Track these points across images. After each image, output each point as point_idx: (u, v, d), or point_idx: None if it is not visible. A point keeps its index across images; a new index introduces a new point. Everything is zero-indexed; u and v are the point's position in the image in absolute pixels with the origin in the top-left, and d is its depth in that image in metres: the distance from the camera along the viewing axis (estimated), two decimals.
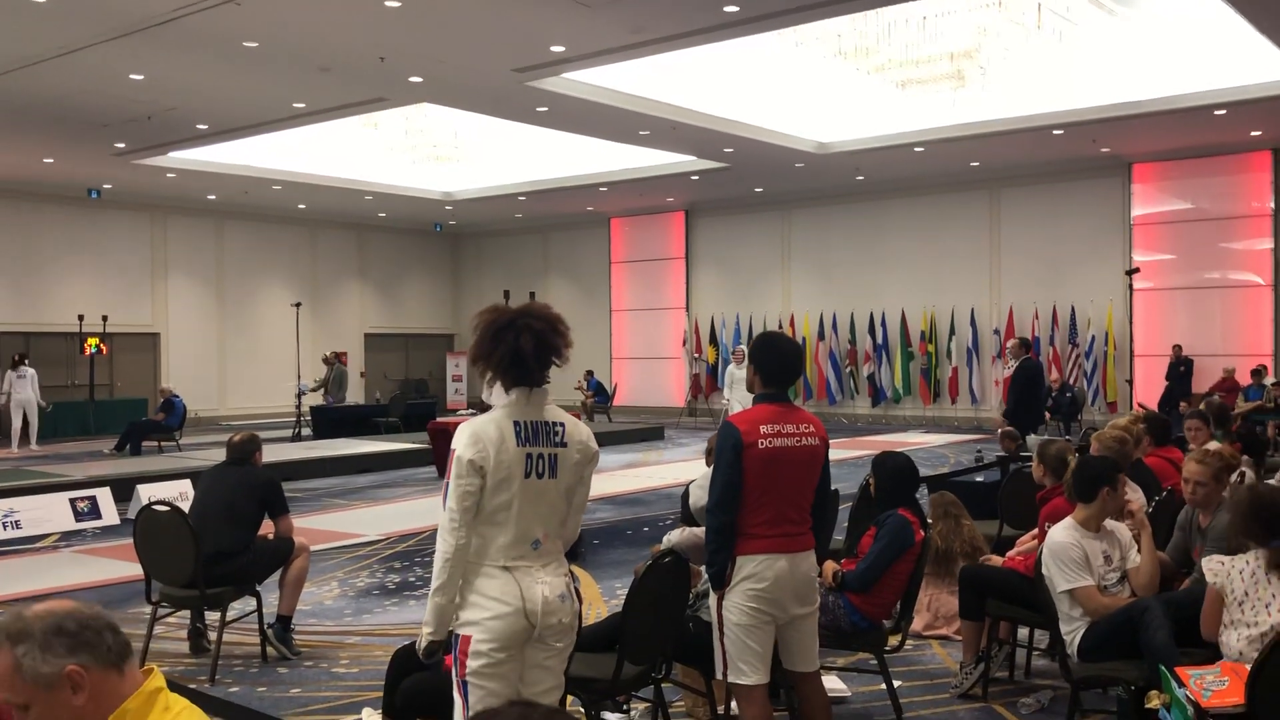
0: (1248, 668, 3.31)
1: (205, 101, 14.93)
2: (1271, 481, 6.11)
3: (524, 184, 22.82)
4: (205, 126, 16.58)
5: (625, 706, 5.01)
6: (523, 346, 3.18)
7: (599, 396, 23.13)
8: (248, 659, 6.07)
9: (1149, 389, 19.49)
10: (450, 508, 3.08)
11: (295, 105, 15.32)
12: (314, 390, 19.99)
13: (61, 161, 18.98)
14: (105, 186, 21.70)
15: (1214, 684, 3.37)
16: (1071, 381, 20.22)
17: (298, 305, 21.74)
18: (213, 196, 23.07)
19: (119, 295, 23.04)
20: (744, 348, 17.07)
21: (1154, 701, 3.50)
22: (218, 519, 5.83)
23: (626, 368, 26.55)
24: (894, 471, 5.03)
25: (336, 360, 19.91)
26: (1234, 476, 5.18)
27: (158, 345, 23.99)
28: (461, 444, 3.12)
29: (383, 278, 28.20)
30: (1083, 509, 4.57)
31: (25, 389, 17.66)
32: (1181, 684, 3.38)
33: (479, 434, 3.13)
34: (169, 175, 20.24)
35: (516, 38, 12.24)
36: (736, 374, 16.02)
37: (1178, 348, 19.10)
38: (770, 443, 3.88)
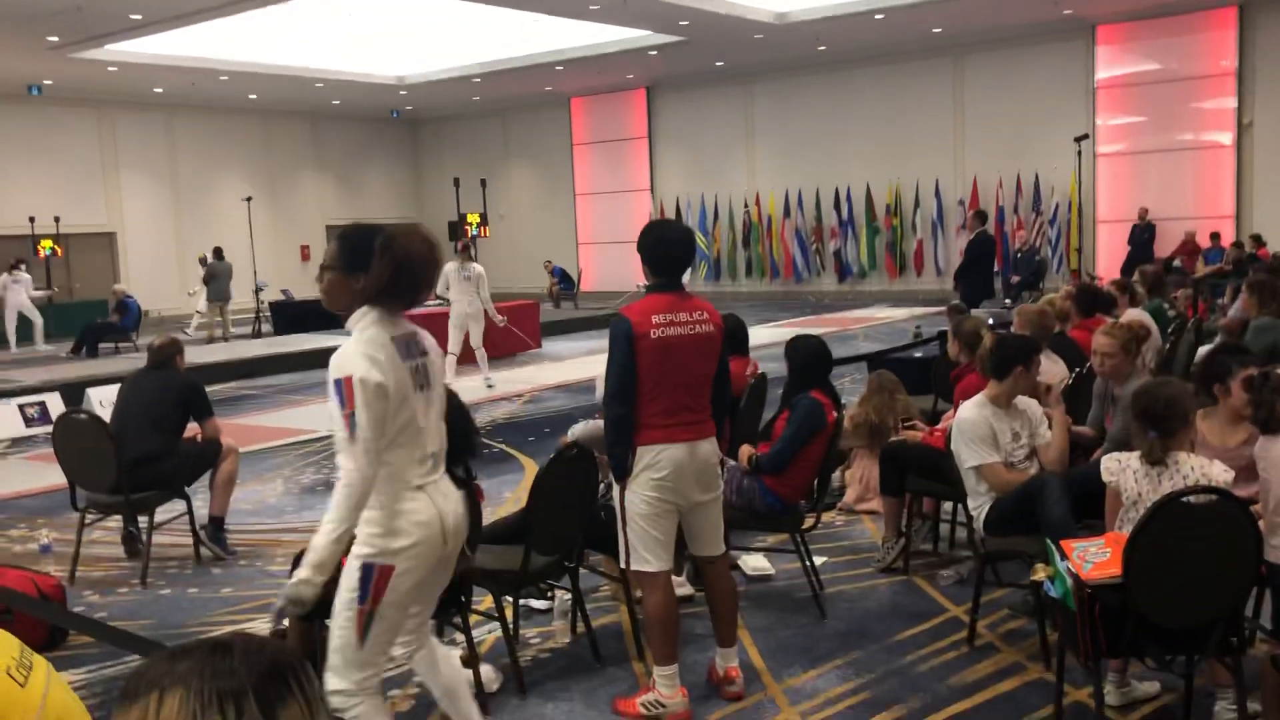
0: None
1: None
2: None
3: (478, 65, 22.24)
4: (139, 16, 15.99)
5: (549, 595, 5.07)
6: (434, 278, 3.18)
7: (564, 284, 22.97)
8: (182, 560, 6.10)
9: (1113, 255, 19.50)
10: (363, 437, 2.88)
11: None
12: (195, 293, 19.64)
13: None
14: (45, 83, 21.04)
15: (1096, 555, 3.40)
16: (1037, 248, 20.15)
17: (248, 200, 21.34)
18: (159, 90, 22.43)
19: (71, 196, 22.56)
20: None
21: (1039, 574, 3.54)
22: (139, 424, 5.78)
23: (592, 252, 26.33)
24: (806, 354, 5.01)
25: (214, 257, 19.28)
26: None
27: (114, 245, 23.62)
28: (360, 368, 2.92)
29: (341, 167, 27.68)
30: (995, 386, 4.56)
31: (20, 293, 17.93)
32: (1065, 557, 3.41)
33: (371, 356, 2.95)
34: (110, 69, 19.62)
35: None
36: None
37: (1144, 211, 19.03)
38: (663, 332, 3.82)
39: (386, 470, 2.98)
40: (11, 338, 18.10)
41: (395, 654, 3.29)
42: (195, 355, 13.56)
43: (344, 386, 2.91)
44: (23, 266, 18.49)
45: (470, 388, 11.56)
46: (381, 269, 3.01)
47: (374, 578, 2.98)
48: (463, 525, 3.15)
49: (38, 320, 18.38)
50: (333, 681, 3.02)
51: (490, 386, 12.00)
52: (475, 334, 11.78)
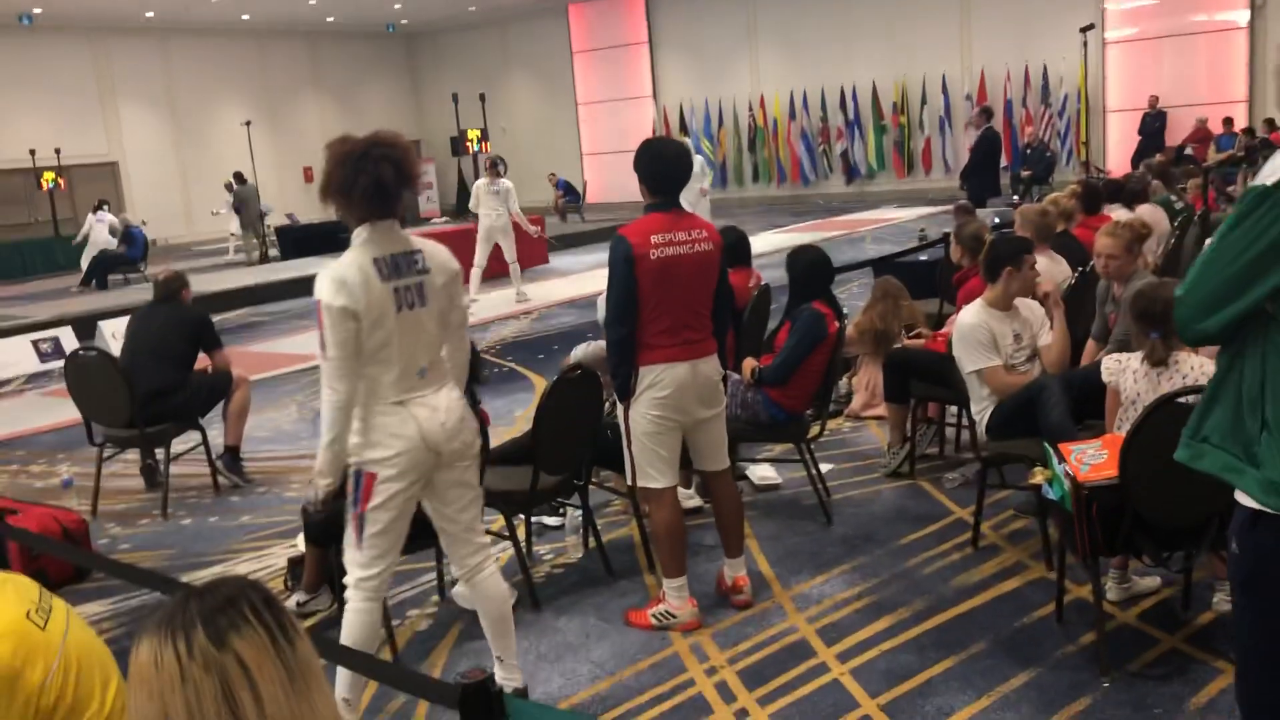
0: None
1: None
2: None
3: None
4: None
5: (561, 511, 5.16)
6: (384, 175, 3.08)
7: (569, 196, 22.80)
8: (201, 490, 6.22)
9: (1125, 146, 19.22)
10: (332, 357, 3.02)
11: None
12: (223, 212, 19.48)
13: None
14: (36, 12, 20.75)
15: (1093, 457, 3.44)
16: (1046, 142, 19.86)
17: (247, 124, 21.15)
18: (151, 14, 22.10)
19: (70, 127, 22.39)
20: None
21: (1037, 478, 3.58)
22: (149, 358, 5.84)
23: (597, 164, 26.07)
24: (806, 265, 5.01)
25: (238, 182, 19.31)
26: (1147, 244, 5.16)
27: (117, 174, 23.52)
28: (327, 292, 3.02)
29: (339, 87, 27.35)
30: (990, 289, 4.57)
31: (103, 231, 17.51)
32: (1063, 459, 3.45)
33: (342, 278, 3.04)
34: None
35: None
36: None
37: (1154, 99, 18.69)
38: (662, 252, 3.82)
39: (365, 384, 3.12)
40: (83, 269, 17.32)
41: (455, 574, 3.49)
42: (205, 284, 13.64)
43: (317, 309, 3.07)
44: (106, 206, 18.28)
45: (502, 299, 12.21)
46: (327, 172, 3.13)
47: (361, 484, 3.16)
48: (457, 434, 3.22)
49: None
50: (346, 577, 3.27)
51: (523, 300, 12.27)
52: (507, 248, 12.06)
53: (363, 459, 3.14)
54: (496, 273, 12.42)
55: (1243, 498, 1.93)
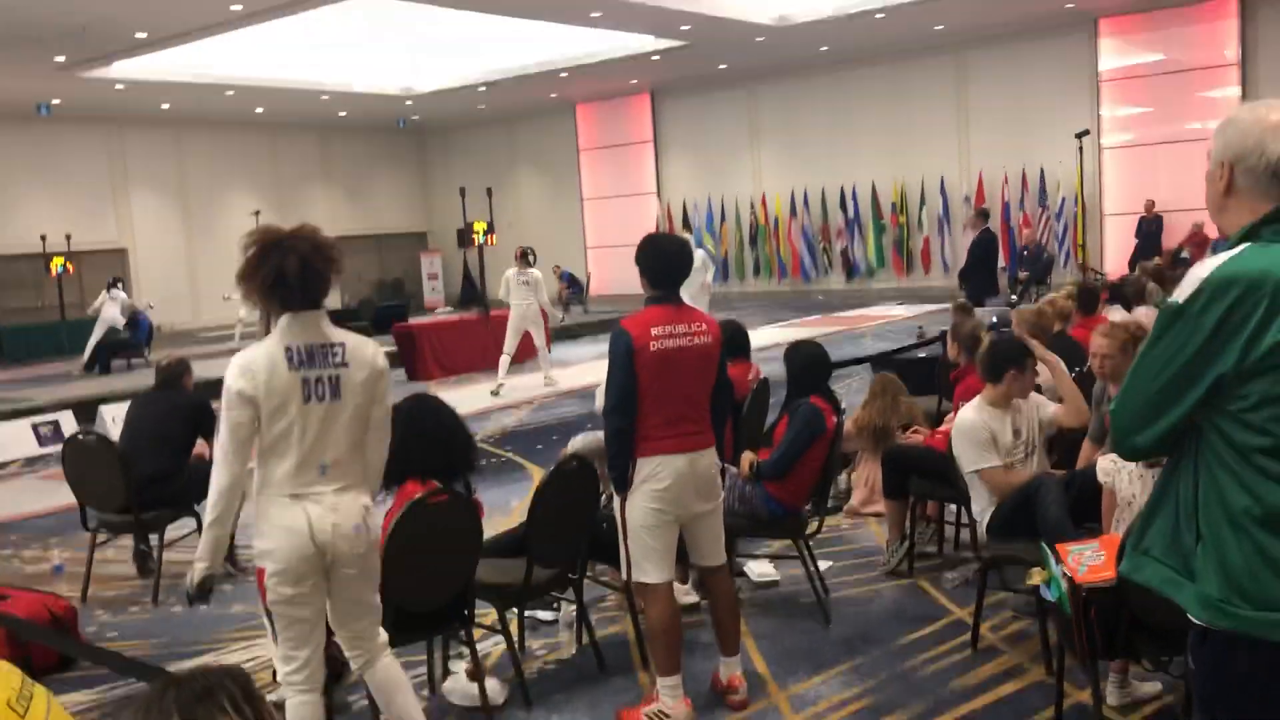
0: None
1: (139, 8, 14.49)
2: None
3: (483, 75, 22.32)
4: (144, 35, 16.10)
5: (555, 605, 5.11)
6: (285, 268, 3.08)
7: (573, 288, 23.02)
8: None
9: (1122, 249, 19.42)
10: (223, 441, 3.05)
11: (233, 8, 14.86)
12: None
13: (3, 79, 18.49)
14: (54, 102, 21.17)
15: (1091, 559, 3.42)
16: (1044, 244, 20.09)
17: (256, 214, 21.41)
18: (166, 106, 22.55)
19: (82, 213, 22.72)
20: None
21: (1035, 578, 3.56)
22: (148, 443, 5.85)
23: (601, 257, 26.33)
24: (804, 360, 5.04)
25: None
26: None
27: (126, 261, 23.77)
28: (231, 375, 3.07)
29: (349, 179, 27.79)
30: (991, 389, 4.59)
31: (114, 310, 17.43)
32: (1060, 560, 3.43)
33: (248, 363, 3.07)
34: (118, 87, 19.74)
35: None
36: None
37: (1150, 204, 18.96)
38: (662, 344, 3.86)
39: (260, 474, 3.11)
40: (87, 353, 17.14)
41: (353, 665, 3.42)
42: (211, 370, 13.67)
43: (224, 389, 3.08)
44: (120, 284, 18.34)
45: (530, 385, 12.64)
46: (242, 260, 3.16)
47: (259, 578, 3.16)
48: (349, 540, 3.15)
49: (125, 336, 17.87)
50: (277, 672, 3.28)
51: (551, 384, 12.66)
52: (537, 335, 12.65)
53: (256, 550, 3.14)
54: (519, 357, 12.95)
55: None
